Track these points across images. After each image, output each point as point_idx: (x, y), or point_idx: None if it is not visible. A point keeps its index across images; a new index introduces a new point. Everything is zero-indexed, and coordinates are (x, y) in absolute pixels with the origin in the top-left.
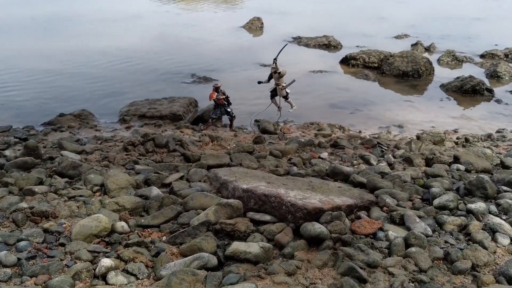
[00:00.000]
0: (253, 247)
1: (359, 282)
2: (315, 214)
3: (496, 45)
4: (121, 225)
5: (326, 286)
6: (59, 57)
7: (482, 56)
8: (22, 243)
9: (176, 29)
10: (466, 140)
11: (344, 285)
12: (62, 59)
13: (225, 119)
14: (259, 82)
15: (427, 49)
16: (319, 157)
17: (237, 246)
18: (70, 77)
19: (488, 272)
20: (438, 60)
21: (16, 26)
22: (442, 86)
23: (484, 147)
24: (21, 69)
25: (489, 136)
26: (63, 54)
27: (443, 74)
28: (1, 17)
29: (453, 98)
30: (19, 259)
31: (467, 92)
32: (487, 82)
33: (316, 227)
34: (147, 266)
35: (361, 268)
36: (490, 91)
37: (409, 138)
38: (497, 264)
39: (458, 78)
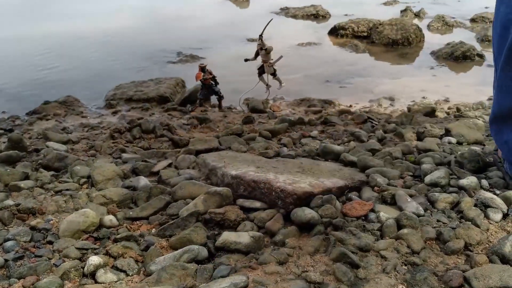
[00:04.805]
0: (243, 237)
1: (351, 268)
2: (305, 199)
3: (486, 7)
4: (109, 219)
5: (319, 273)
6: (34, 41)
7: (472, 20)
8: (9, 243)
9: (157, 4)
10: (458, 109)
11: (336, 272)
12: (38, 43)
13: (214, 99)
14: (246, 60)
15: (417, 15)
16: (310, 136)
17: (227, 236)
18: (50, 62)
19: (481, 251)
20: (428, 26)
21: None
22: (433, 54)
23: (476, 116)
24: None
25: (480, 104)
26: (37, 38)
27: (434, 41)
28: None
29: (444, 65)
30: (6, 260)
31: (458, 59)
32: (478, 46)
33: (307, 213)
34: (136, 261)
35: (353, 252)
36: (481, 56)
37: (400, 111)
38: (490, 242)
39: (448, 44)
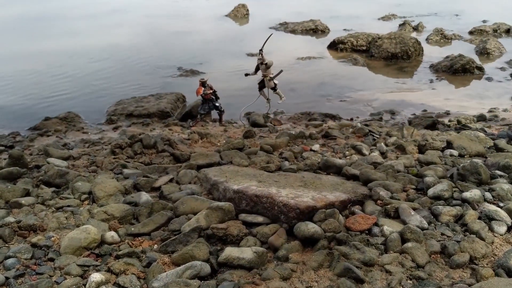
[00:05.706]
0: (246, 252)
1: (356, 283)
2: (308, 213)
3: (484, 21)
4: (111, 235)
5: None
6: (38, 58)
7: (470, 32)
8: (10, 261)
9: (159, 21)
10: (458, 122)
11: (341, 287)
12: (41, 60)
13: (214, 113)
14: (246, 75)
15: (415, 29)
16: (311, 150)
17: (230, 252)
18: (52, 78)
19: (487, 264)
20: (427, 39)
21: None
22: (432, 67)
23: (476, 128)
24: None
25: (481, 116)
26: (42, 55)
27: (433, 54)
28: None
29: (444, 78)
30: (7, 278)
31: (458, 72)
32: (477, 59)
33: (310, 227)
34: (139, 278)
35: (357, 267)
36: (481, 69)
37: (401, 124)
38: (496, 255)
39: (447, 57)
